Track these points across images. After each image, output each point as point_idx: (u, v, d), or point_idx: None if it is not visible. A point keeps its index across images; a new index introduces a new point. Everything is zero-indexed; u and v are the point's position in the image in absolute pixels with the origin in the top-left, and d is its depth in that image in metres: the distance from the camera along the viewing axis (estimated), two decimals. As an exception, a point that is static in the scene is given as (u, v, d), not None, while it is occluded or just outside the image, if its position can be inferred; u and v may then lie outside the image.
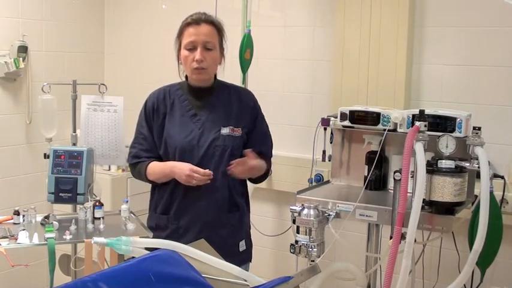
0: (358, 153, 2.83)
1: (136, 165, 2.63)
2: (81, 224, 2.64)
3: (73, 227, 2.55)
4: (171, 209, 2.58)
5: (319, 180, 3.17)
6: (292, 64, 3.49)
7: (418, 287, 2.97)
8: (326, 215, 2.49)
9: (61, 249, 3.52)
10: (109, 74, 4.21)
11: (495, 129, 2.86)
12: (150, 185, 2.68)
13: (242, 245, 2.62)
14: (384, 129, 2.64)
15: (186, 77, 2.62)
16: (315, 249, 2.43)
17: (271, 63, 3.54)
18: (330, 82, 3.29)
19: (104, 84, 2.96)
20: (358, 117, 2.73)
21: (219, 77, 2.69)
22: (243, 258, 2.58)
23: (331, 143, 2.90)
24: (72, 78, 3.07)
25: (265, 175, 2.68)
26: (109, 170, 3.67)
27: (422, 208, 2.30)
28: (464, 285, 2.40)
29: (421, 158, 2.26)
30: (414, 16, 3.06)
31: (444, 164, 2.33)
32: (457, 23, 2.99)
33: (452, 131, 2.48)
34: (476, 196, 2.49)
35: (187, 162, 2.50)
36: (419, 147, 2.29)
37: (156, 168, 2.57)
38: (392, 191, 2.46)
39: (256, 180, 2.69)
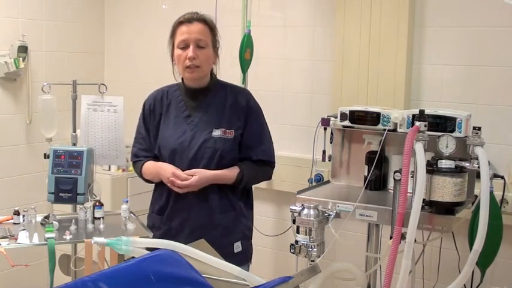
0: (358, 153, 2.83)
1: (135, 164, 2.69)
2: (81, 224, 2.64)
3: (73, 227, 2.55)
4: (166, 210, 2.60)
5: (319, 180, 3.17)
6: (292, 64, 3.49)
7: (418, 287, 2.97)
8: (326, 215, 2.49)
9: (61, 249, 3.52)
10: (109, 74, 4.22)
11: (495, 129, 2.86)
12: (150, 185, 2.69)
13: (237, 246, 2.60)
14: (384, 129, 2.64)
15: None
16: (315, 249, 2.43)
17: (271, 63, 3.54)
18: (330, 82, 3.29)
19: (104, 84, 2.96)
20: (358, 117, 2.73)
21: (220, 77, 2.69)
22: (239, 260, 2.53)
23: (331, 143, 2.90)
24: (72, 78, 3.07)
25: (240, 181, 2.56)
26: (109, 170, 3.67)
27: (422, 208, 2.30)
28: (464, 285, 2.41)
29: (421, 158, 2.26)
30: (414, 16, 3.06)
31: (444, 164, 2.33)
32: (457, 23, 2.99)
33: (452, 131, 2.48)
34: (476, 196, 2.49)
35: (178, 163, 2.52)
36: (419, 147, 2.29)
37: (149, 168, 2.61)
38: (392, 191, 2.46)
39: (237, 186, 2.58)
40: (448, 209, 2.35)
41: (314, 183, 3.11)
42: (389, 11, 3.03)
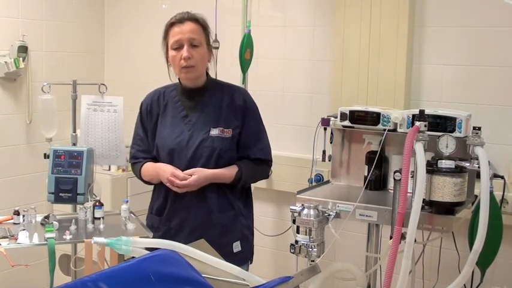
0: (358, 153, 2.83)
1: (134, 165, 2.68)
2: (81, 224, 2.64)
3: (73, 227, 2.55)
4: (165, 210, 2.60)
5: (319, 180, 3.17)
6: (292, 64, 3.49)
7: (418, 287, 2.97)
8: (326, 215, 2.49)
9: (61, 249, 3.52)
10: (109, 74, 4.22)
11: (495, 129, 2.86)
12: (150, 185, 2.69)
13: (237, 246, 2.59)
14: (384, 129, 2.64)
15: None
16: (315, 249, 2.43)
17: (271, 63, 3.54)
18: (330, 82, 3.29)
19: (104, 84, 2.96)
20: (358, 117, 2.73)
21: (220, 77, 2.69)
22: (238, 260, 2.51)
23: (331, 143, 2.90)
24: (72, 78, 3.07)
25: (239, 180, 2.57)
26: (109, 170, 3.68)
27: (422, 208, 2.30)
28: (464, 285, 2.41)
29: (421, 158, 2.26)
30: (414, 16, 3.06)
31: (444, 164, 2.33)
32: (457, 23, 2.99)
33: (452, 131, 2.48)
34: (476, 196, 2.49)
35: (176, 163, 2.52)
36: (419, 147, 2.29)
37: (148, 169, 2.61)
38: (392, 191, 2.46)
39: (236, 185, 2.58)
40: (448, 209, 2.35)
41: (314, 183, 3.11)
42: (389, 11, 3.03)
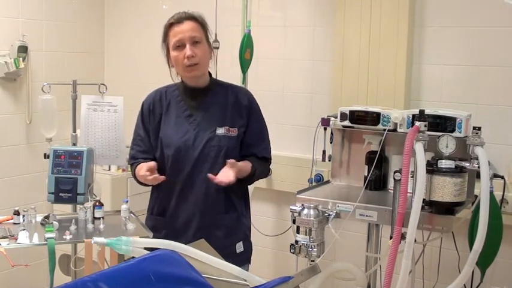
0: (358, 153, 2.83)
1: (132, 166, 2.66)
2: (81, 224, 2.64)
3: (73, 227, 2.55)
4: (167, 210, 2.58)
5: (319, 180, 3.17)
6: (292, 64, 3.49)
7: (418, 287, 2.97)
8: (326, 215, 2.49)
9: (61, 249, 3.52)
10: (109, 74, 4.22)
11: (495, 129, 2.86)
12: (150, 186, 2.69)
13: (239, 247, 2.60)
14: (384, 129, 2.64)
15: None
16: (315, 249, 2.43)
17: (271, 63, 3.54)
18: (330, 82, 3.29)
19: (104, 84, 2.96)
20: (358, 117, 2.73)
21: (220, 77, 2.69)
22: (240, 260, 2.54)
23: (331, 143, 2.90)
24: (72, 78, 3.07)
25: (253, 176, 2.59)
26: (109, 170, 3.67)
27: (422, 208, 2.30)
28: (464, 285, 2.41)
29: (421, 158, 2.26)
30: (414, 16, 3.06)
31: (444, 164, 2.33)
32: (457, 23, 2.99)
33: (452, 131, 2.48)
34: (476, 196, 2.49)
35: (183, 162, 2.51)
36: (419, 147, 2.29)
37: (137, 171, 2.56)
38: (392, 191, 2.46)
39: (246, 182, 2.62)
40: (448, 209, 2.35)
41: (314, 183, 3.11)
42: (389, 11, 3.03)
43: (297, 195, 2.60)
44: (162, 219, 2.60)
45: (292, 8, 3.47)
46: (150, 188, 2.69)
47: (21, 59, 3.59)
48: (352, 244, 3.05)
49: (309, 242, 2.43)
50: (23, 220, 2.60)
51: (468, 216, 2.52)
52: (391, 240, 2.28)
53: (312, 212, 2.44)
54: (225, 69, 3.17)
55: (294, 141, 3.47)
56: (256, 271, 2.10)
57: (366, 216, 2.48)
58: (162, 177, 2.47)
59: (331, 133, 2.89)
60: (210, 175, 2.44)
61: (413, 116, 2.53)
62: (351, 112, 2.74)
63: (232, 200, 2.58)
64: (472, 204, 2.52)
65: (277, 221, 3.58)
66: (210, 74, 2.63)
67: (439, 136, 2.40)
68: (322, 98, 3.37)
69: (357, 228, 3.12)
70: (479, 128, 2.40)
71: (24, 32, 3.66)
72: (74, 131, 3.04)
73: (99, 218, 2.63)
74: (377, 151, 2.65)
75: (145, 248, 1.74)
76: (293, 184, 3.24)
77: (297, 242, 2.46)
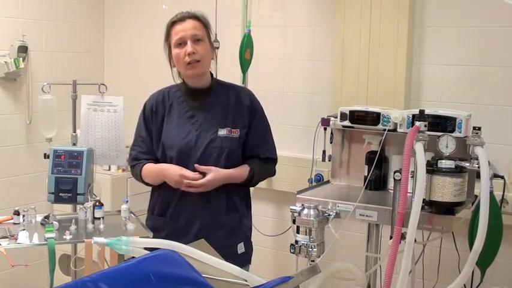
0: (358, 153, 2.83)
1: (134, 167, 2.65)
2: (81, 224, 2.63)
3: (73, 227, 2.55)
4: (168, 211, 2.58)
5: (319, 180, 3.17)
6: (292, 64, 3.49)
7: (418, 287, 2.97)
8: (326, 215, 2.49)
9: (61, 249, 3.52)
10: (109, 74, 4.22)
11: (495, 129, 2.86)
12: (150, 186, 2.69)
13: (241, 248, 2.60)
14: (384, 129, 2.64)
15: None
16: (315, 249, 2.43)
17: (271, 63, 3.54)
18: (330, 82, 3.29)
19: (104, 84, 2.96)
20: (358, 117, 2.73)
21: (220, 77, 2.69)
22: (241, 261, 2.53)
23: (331, 143, 2.90)
24: (72, 78, 3.07)
25: (251, 179, 2.59)
26: (109, 170, 3.67)
27: (422, 208, 2.30)
28: (464, 285, 2.41)
29: (421, 158, 2.26)
30: (414, 16, 3.06)
31: (444, 164, 2.33)
32: (457, 23, 2.99)
33: (452, 131, 2.48)
34: (476, 196, 2.49)
35: (185, 164, 2.50)
36: (419, 147, 2.29)
37: (150, 170, 2.58)
38: (392, 191, 2.46)
39: (246, 185, 2.62)
40: (448, 209, 2.35)
41: (314, 183, 3.11)
42: (389, 11, 3.03)
43: (297, 195, 2.60)
44: (162, 219, 2.60)
45: (292, 8, 3.47)
46: (150, 188, 2.69)
47: (21, 59, 3.59)
48: (352, 244, 3.05)
49: (309, 242, 2.43)
50: (23, 220, 2.60)
51: (468, 216, 2.52)
52: (391, 240, 2.28)
53: (312, 212, 2.44)
54: (225, 69, 3.17)
55: (294, 141, 3.47)
56: (256, 271, 2.10)
57: (366, 216, 2.48)
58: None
59: (331, 133, 2.89)
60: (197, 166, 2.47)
61: (413, 116, 2.53)
62: (351, 112, 2.74)
63: (233, 201, 2.58)
64: (472, 204, 2.52)
65: (277, 221, 3.58)
66: (211, 74, 2.63)
67: (439, 136, 2.40)
68: (322, 98, 3.37)
69: (357, 228, 3.12)
70: (479, 128, 2.40)
71: (24, 32, 3.66)
72: (74, 131, 3.04)
73: (99, 218, 2.63)
74: (377, 151, 2.65)
75: (146, 248, 1.74)
76: (293, 184, 3.24)
77: (297, 242, 2.45)
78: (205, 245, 1.92)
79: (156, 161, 2.59)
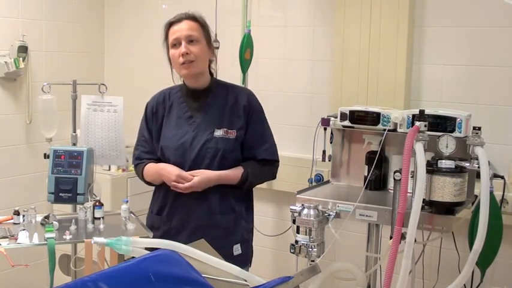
0: (358, 153, 2.83)
1: (137, 166, 2.68)
2: (81, 224, 2.64)
3: (73, 227, 2.55)
4: (164, 209, 2.60)
5: (319, 180, 3.17)
6: (292, 64, 3.49)
7: (418, 287, 2.97)
8: (326, 215, 2.49)
9: (61, 249, 3.52)
10: (109, 74, 4.21)
11: (495, 129, 2.86)
12: (150, 186, 2.69)
13: (237, 249, 2.59)
14: (384, 129, 2.64)
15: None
16: (315, 249, 2.43)
17: (271, 63, 3.54)
18: (330, 82, 3.29)
19: (104, 84, 2.97)
20: (358, 117, 2.73)
21: (220, 77, 2.69)
22: (237, 263, 2.50)
23: (331, 143, 2.90)
24: (72, 78, 3.07)
25: (245, 181, 2.57)
26: (109, 170, 3.67)
27: (422, 208, 2.30)
28: (464, 285, 2.41)
29: (421, 158, 2.26)
30: (414, 16, 3.06)
31: (444, 164, 2.33)
32: (457, 23, 2.99)
33: (452, 131, 2.48)
34: (476, 196, 2.49)
35: (180, 164, 2.52)
36: (419, 147, 2.29)
37: (150, 169, 2.60)
38: (392, 191, 2.46)
39: (241, 186, 2.59)
40: (448, 209, 2.35)
41: (314, 183, 3.11)
42: (389, 11, 3.02)
43: (297, 195, 2.60)
44: (159, 218, 2.61)
45: (292, 8, 3.47)
46: (150, 188, 2.70)
47: (21, 59, 3.59)
48: (352, 244, 3.05)
49: (309, 242, 2.43)
50: (23, 220, 2.60)
51: (468, 216, 2.52)
52: (391, 240, 2.28)
53: (312, 212, 2.44)
54: (225, 69, 3.16)
55: (294, 141, 3.47)
56: (256, 271, 2.10)
57: (366, 216, 2.48)
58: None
59: (331, 133, 2.89)
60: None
61: (413, 116, 2.53)
62: (351, 112, 2.74)
63: (228, 201, 2.57)
64: (472, 204, 2.52)
65: (277, 221, 3.58)
66: (212, 74, 2.63)
67: (439, 136, 2.40)
68: (322, 98, 3.37)
69: (357, 228, 3.12)
70: (479, 128, 2.40)
71: (24, 32, 3.66)
72: (74, 131, 3.04)
73: (99, 218, 2.63)
74: (377, 151, 2.65)
75: (146, 248, 1.74)
76: (293, 184, 3.24)
77: (297, 242, 2.45)
78: (205, 245, 1.92)
79: (159, 160, 2.61)
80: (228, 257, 2.19)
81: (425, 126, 2.35)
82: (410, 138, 2.28)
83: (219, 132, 2.53)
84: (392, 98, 3.03)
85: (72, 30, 4.01)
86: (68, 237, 2.47)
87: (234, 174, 2.55)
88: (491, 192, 2.34)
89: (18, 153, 3.75)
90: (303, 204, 2.48)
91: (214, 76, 2.66)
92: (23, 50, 3.62)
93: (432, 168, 2.33)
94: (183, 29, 2.50)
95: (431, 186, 2.35)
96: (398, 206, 2.27)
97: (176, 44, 2.50)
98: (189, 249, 1.74)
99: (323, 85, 3.37)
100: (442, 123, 2.51)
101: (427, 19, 3.05)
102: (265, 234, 3.44)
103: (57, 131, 3.10)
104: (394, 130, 2.65)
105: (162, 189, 2.60)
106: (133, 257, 1.66)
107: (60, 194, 2.68)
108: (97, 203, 2.66)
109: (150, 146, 2.64)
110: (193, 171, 2.49)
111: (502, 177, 2.78)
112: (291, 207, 2.50)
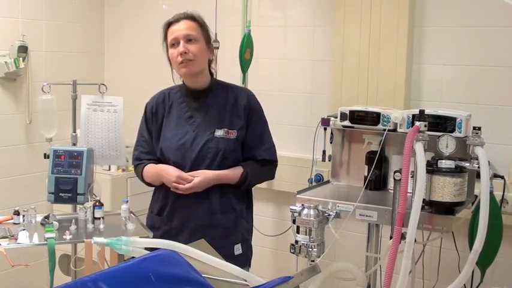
0: (358, 153, 2.83)
1: (136, 167, 2.68)
2: (81, 224, 2.64)
3: (73, 227, 2.55)
4: (165, 210, 2.59)
5: (319, 180, 3.17)
6: (292, 64, 3.49)
7: (418, 287, 2.97)
8: (326, 215, 2.49)
9: (61, 249, 3.52)
10: (109, 74, 4.21)
11: (495, 129, 2.86)
12: (150, 186, 2.69)
13: (238, 249, 2.59)
14: (384, 129, 2.64)
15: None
16: (315, 249, 2.43)
17: (271, 63, 3.54)
18: (330, 82, 3.29)
19: (104, 84, 2.97)
20: (358, 117, 2.73)
21: (220, 77, 2.69)
22: (238, 263, 2.49)
23: (331, 143, 2.90)
24: (72, 78, 3.07)
25: (244, 181, 2.57)
26: (109, 170, 3.67)
27: (422, 208, 2.30)
28: (464, 285, 2.41)
29: (421, 158, 2.26)
30: (414, 16, 3.06)
31: (444, 164, 2.33)
32: (457, 23, 2.99)
33: (452, 131, 2.48)
34: (476, 196, 2.49)
35: (181, 164, 2.52)
36: (419, 147, 2.29)
37: (150, 170, 2.60)
38: (392, 191, 2.46)
39: (240, 186, 2.59)
40: (448, 209, 2.35)
41: (314, 183, 3.11)
42: (389, 11, 3.02)
43: (297, 195, 2.60)
44: (159, 218, 2.61)
45: (292, 8, 3.47)
46: (150, 189, 2.70)
47: (21, 59, 3.59)
48: (352, 244, 3.05)
49: (309, 242, 2.43)
50: (23, 220, 2.60)
51: (468, 216, 2.52)
52: (391, 240, 2.28)
53: (312, 212, 2.44)
54: (225, 69, 3.16)
55: (294, 141, 3.47)
56: (256, 271, 2.10)
57: (366, 216, 2.48)
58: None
59: (331, 133, 2.89)
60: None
61: (413, 116, 2.53)
62: (351, 112, 2.74)
63: (229, 200, 2.57)
64: (472, 204, 2.52)
65: (277, 221, 3.58)
66: (212, 74, 2.64)
67: (439, 136, 2.40)
68: (322, 98, 3.37)
69: (357, 228, 3.12)
70: (479, 128, 2.40)
71: (24, 32, 3.66)
72: (74, 131, 3.04)
73: (99, 218, 2.63)
74: (377, 151, 2.65)
75: (146, 248, 1.74)
76: (293, 184, 3.24)
77: (297, 242, 2.45)
78: (205, 245, 1.92)
79: (158, 161, 2.61)
80: (229, 257, 2.19)
81: (425, 126, 2.35)
82: (410, 138, 2.28)
83: (219, 133, 2.53)
84: (392, 98, 3.03)
85: (72, 30, 4.01)
86: (68, 237, 2.47)
87: (233, 174, 2.55)
88: (491, 192, 2.34)
89: (18, 153, 3.75)
90: (303, 204, 2.48)
91: (214, 76, 2.66)
92: (23, 50, 3.62)
93: (432, 168, 2.33)
94: (181, 28, 2.51)
95: (431, 186, 2.35)
96: (398, 206, 2.27)
97: (175, 43, 2.51)
98: (189, 249, 1.74)
99: (323, 85, 3.37)
100: (442, 123, 2.51)
101: (427, 19, 3.05)
102: (265, 234, 3.44)
103: (57, 131, 3.10)
104: (394, 130, 2.65)
105: (162, 190, 2.60)
106: (133, 257, 1.66)
107: (60, 194, 2.68)
108: (97, 203, 2.66)
109: (150, 146, 2.63)
110: (193, 172, 2.50)
111: (502, 177, 2.78)
112: (291, 207, 2.50)
